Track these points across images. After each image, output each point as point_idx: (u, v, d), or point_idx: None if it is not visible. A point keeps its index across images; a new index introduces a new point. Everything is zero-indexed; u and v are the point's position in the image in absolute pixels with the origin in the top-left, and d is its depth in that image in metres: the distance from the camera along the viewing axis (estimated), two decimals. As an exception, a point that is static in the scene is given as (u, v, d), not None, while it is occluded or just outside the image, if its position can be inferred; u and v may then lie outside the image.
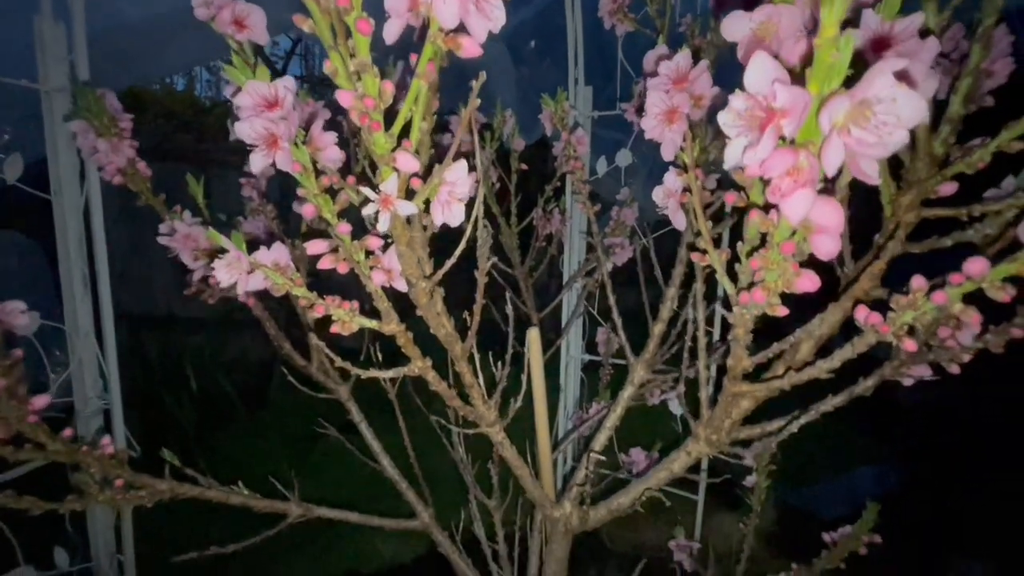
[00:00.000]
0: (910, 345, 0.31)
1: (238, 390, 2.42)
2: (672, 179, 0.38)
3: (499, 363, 0.63)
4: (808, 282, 0.24)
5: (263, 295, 0.72)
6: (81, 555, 1.21)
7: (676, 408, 1.29)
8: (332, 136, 0.35)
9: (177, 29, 1.29)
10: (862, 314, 0.33)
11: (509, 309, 0.56)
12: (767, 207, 0.24)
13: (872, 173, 0.19)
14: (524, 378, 0.67)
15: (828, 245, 0.21)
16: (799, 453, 2.19)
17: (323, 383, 0.74)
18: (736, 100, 0.19)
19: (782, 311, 0.29)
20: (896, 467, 2.05)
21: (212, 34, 0.47)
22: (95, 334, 1.16)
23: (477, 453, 0.86)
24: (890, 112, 0.17)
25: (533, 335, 0.71)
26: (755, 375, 0.48)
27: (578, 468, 0.65)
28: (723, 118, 0.19)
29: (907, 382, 0.52)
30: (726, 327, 0.42)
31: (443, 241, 0.46)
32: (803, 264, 0.26)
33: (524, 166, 0.96)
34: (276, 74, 0.34)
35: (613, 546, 1.71)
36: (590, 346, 1.81)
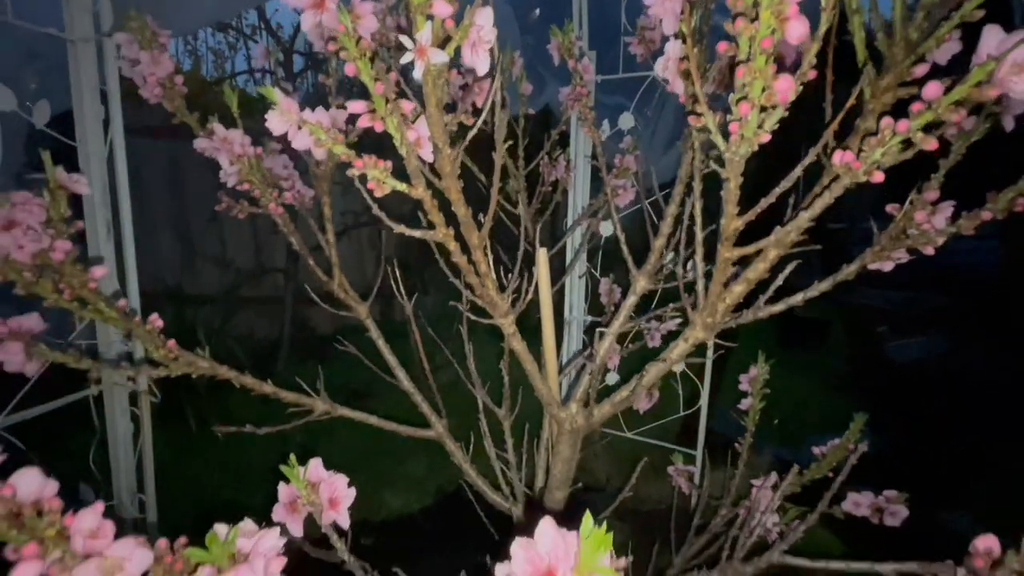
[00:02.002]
0: (878, 177, 0.36)
1: (249, 360, 2.48)
2: (672, 47, 0.42)
3: (508, 275, 0.68)
4: (785, 84, 0.29)
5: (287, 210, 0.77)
6: (104, 493, 1.27)
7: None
8: (370, 5, 0.39)
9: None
10: (837, 156, 0.37)
11: (519, 208, 0.61)
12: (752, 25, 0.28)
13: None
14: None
15: (798, 29, 0.26)
16: (794, 420, 2.25)
17: (344, 300, 0.78)
18: None
19: (765, 137, 0.34)
20: (888, 427, 2.11)
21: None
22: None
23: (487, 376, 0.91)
24: None
25: (542, 253, 0.76)
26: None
27: (590, 357, 0.69)
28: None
29: (887, 267, 0.56)
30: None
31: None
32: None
33: (531, 111, 1.00)
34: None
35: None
36: (593, 312, 1.85)
